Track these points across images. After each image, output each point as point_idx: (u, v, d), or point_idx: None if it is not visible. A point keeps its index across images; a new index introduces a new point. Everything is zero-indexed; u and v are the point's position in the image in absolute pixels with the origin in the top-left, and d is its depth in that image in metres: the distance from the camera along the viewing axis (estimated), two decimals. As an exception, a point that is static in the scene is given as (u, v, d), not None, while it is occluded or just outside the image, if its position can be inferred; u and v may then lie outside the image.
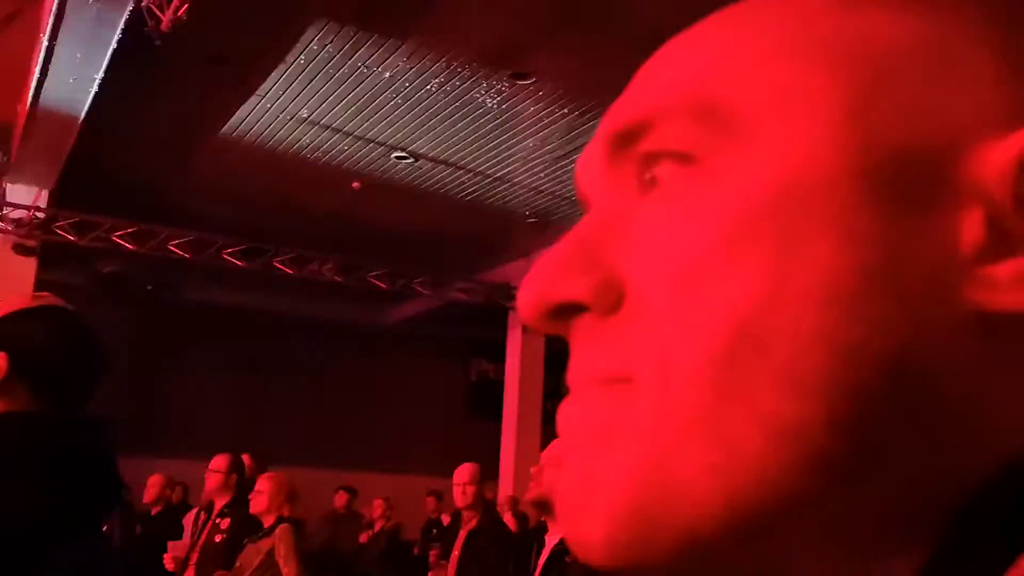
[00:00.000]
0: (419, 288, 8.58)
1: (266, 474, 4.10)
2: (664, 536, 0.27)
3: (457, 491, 3.79)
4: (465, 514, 3.83)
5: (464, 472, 3.78)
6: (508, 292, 8.62)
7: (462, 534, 3.79)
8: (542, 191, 6.85)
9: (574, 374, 0.31)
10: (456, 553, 3.75)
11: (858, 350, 0.26)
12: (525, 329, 8.50)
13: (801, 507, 0.27)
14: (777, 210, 0.27)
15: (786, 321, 0.26)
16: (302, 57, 5.23)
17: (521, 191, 7.05)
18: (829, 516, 0.27)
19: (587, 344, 0.30)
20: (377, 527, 7.39)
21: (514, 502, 6.47)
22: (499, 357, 9.12)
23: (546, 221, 7.47)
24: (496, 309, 8.87)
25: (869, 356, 0.26)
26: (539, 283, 0.30)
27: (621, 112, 0.31)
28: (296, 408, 10.19)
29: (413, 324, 10.60)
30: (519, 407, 8.50)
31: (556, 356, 8.83)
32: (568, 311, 0.30)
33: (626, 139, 0.31)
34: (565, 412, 0.31)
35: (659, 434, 0.27)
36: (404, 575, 6.76)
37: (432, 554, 4.25)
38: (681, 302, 0.27)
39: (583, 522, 0.28)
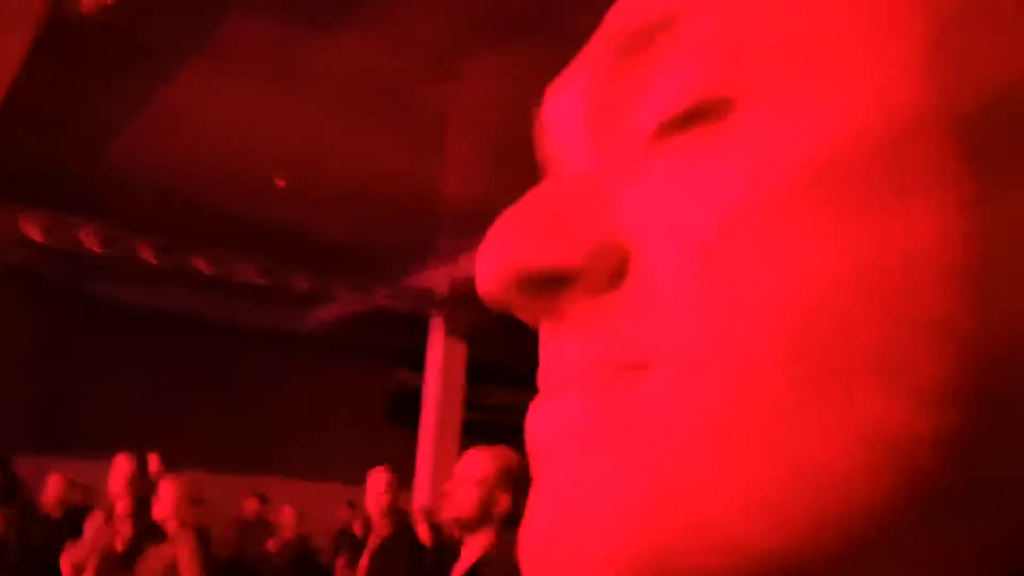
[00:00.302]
0: (341, 292, 8.47)
1: (171, 478, 3.95)
2: None
3: (370, 499, 3.72)
4: (377, 523, 3.76)
5: (378, 480, 3.71)
6: (431, 299, 8.55)
7: (373, 543, 3.72)
8: (471, 198, 6.82)
9: (554, 366, 0.24)
10: (365, 562, 3.67)
11: (974, 339, 0.20)
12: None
13: (888, 547, 0.20)
14: (853, 164, 0.20)
15: (879, 302, 0.20)
16: (228, 48, 5.10)
17: (450, 197, 7.01)
18: (917, 560, 0.20)
19: (576, 326, 0.23)
20: (287, 535, 7.24)
21: (429, 513, 6.40)
22: (421, 366, 9.04)
23: (474, 229, 7.44)
24: (419, 316, 8.79)
25: (986, 347, 0.20)
26: (512, 244, 0.23)
27: (627, 17, 0.24)
28: (209, 410, 9.95)
29: (333, 329, 10.44)
30: (438, 417, 8.43)
31: (478, 366, 8.79)
32: (548, 283, 0.23)
33: (633, 47, 0.23)
34: (543, 414, 0.23)
35: (698, 438, 0.20)
36: (313, 585, 6.63)
37: (340, 562, 4.17)
38: (725, 273, 0.21)
39: (574, 573, 0.21)
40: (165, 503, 3.68)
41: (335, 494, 8.16)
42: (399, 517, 3.81)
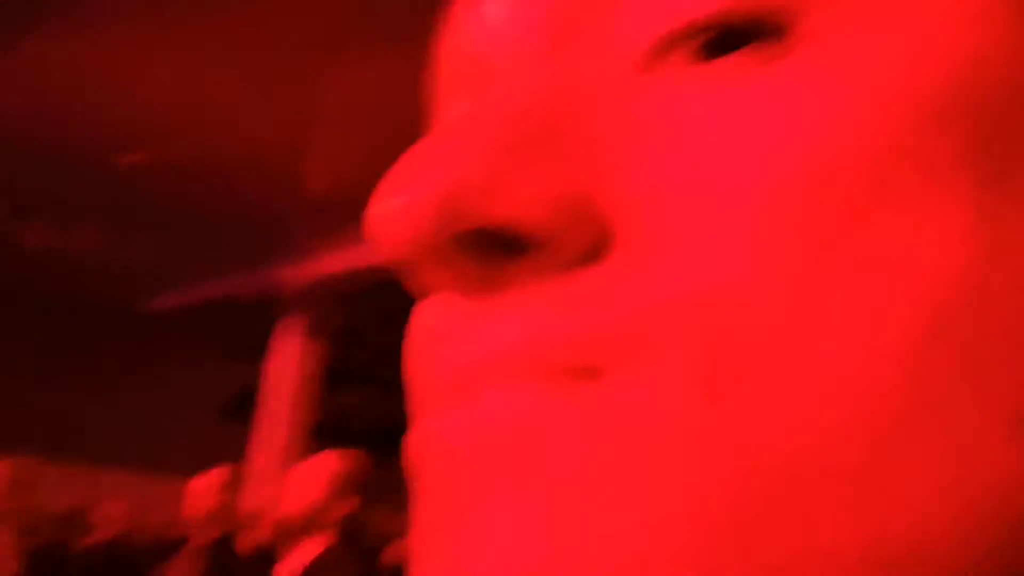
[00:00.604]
0: (188, 277, 8.21)
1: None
2: None
3: (199, 499, 3.62)
4: (210, 523, 3.65)
5: (208, 478, 3.63)
6: (286, 294, 8.38)
7: (198, 546, 3.61)
8: (335, 195, 6.72)
9: (476, 355, 0.17)
10: (187, 565, 3.56)
11: None
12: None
13: None
14: (972, 107, 0.15)
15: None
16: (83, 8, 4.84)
17: (313, 192, 6.91)
18: None
19: (520, 307, 0.16)
20: (110, 530, 6.94)
21: (268, 514, 6.25)
22: (271, 362, 8.84)
23: (336, 227, 7.33)
24: (266, 309, 8.60)
25: None
26: (461, 183, 0.16)
27: None
28: (34, 392, 9.45)
29: (176, 315, 10.07)
30: (286, 416, 8.26)
31: (328, 366, 8.65)
32: (501, 245, 0.16)
33: None
34: (468, 419, 0.17)
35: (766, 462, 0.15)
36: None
37: (168, 563, 4.04)
38: (814, 250, 0.15)
39: None
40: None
41: (165, 490, 7.86)
42: (234, 518, 3.72)
